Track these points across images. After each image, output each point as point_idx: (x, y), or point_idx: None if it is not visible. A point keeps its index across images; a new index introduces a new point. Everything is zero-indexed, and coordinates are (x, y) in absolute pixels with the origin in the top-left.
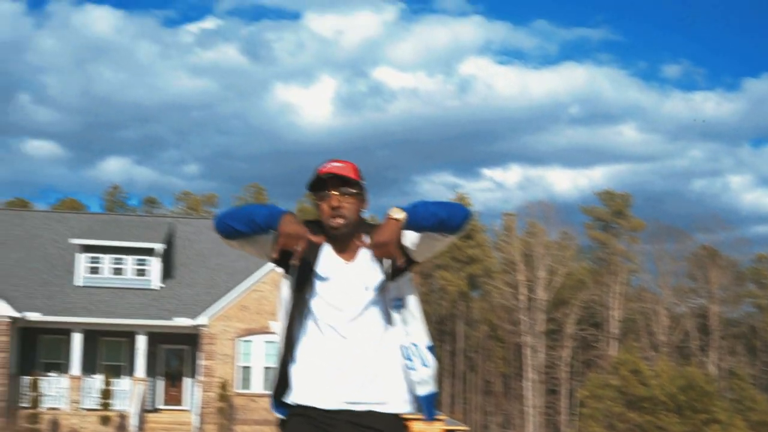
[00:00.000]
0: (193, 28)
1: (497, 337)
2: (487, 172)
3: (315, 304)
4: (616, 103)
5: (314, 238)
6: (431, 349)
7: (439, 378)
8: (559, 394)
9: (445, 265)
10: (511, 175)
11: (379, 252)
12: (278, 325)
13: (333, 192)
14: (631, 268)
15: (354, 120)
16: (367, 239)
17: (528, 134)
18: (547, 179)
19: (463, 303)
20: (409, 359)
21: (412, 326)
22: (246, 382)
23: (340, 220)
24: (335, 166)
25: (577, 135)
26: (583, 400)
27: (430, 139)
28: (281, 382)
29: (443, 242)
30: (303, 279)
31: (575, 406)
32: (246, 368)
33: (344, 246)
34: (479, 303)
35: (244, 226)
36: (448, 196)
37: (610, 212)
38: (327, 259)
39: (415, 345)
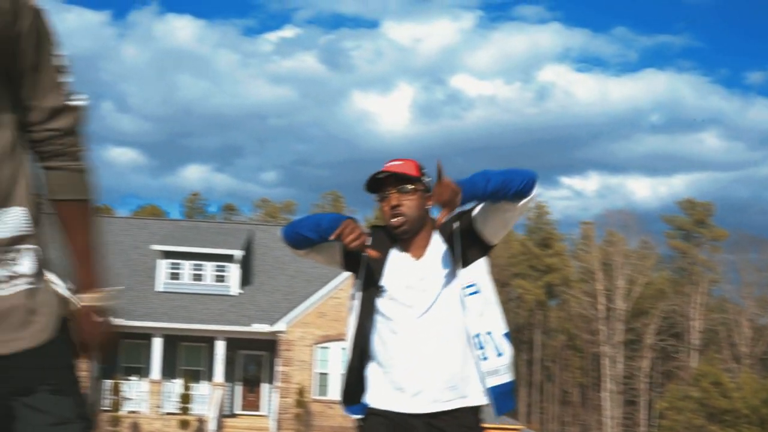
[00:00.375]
0: (273, 36)
1: (575, 346)
2: (565, 180)
3: (383, 304)
4: (697, 110)
5: (371, 253)
6: (507, 336)
7: (518, 383)
8: (638, 405)
9: (522, 274)
10: (590, 183)
11: (439, 199)
12: (348, 329)
13: (391, 191)
14: (712, 278)
15: (431, 127)
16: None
17: (607, 142)
18: (627, 187)
19: (541, 312)
20: (482, 348)
21: (487, 313)
22: (323, 388)
23: (401, 219)
24: (391, 165)
25: (658, 142)
26: (663, 411)
27: (508, 147)
28: (352, 385)
29: (512, 212)
30: (370, 282)
31: (654, 417)
32: (323, 375)
33: (412, 243)
34: (557, 312)
35: (311, 233)
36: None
37: (692, 221)
38: (395, 260)
39: (489, 333)
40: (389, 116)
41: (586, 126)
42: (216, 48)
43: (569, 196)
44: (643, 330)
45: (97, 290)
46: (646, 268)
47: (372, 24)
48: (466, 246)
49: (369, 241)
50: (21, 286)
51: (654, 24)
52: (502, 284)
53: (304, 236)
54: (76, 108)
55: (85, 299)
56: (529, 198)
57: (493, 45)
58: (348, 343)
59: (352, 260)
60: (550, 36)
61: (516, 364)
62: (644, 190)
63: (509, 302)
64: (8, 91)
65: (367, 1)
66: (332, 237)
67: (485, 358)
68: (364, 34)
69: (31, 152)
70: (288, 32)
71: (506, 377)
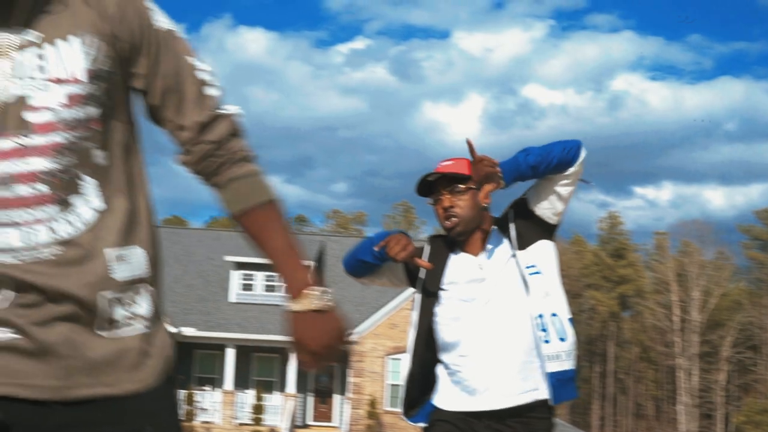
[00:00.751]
0: (344, 48)
1: (649, 358)
2: (638, 189)
3: (445, 306)
4: None
5: (421, 263)
6: (571, 321)
7: (579, 372)
8: (714, 419)
9: (595, 285)
10: (664, 192)
11: (478, 175)
12: (408, 339)
13: (444, 192)
14: None
15: (502, 137)
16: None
17: (682, 151)
18: (702, 197)
19: (614, 323)
20: (544, 330)
21: (552, 294)
22: (395, 400)
23: (454, 220)
24: (441, 165)
25: (734, 151)
26: (740, 425)
27: None
28: (413, 393)
29: (561, 183)
30: (429, 290)
31: (731, 431)
32: (395, 386)
33: (470, 242)
34: (630, 324)
35: (366, 255)
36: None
37: None
38: (454, 262)
39: (554, 315)
40: (460, 126)
41: (660, 135)
42: (287, 60)
43: (643, 205)
44: (719, 342)
45: (311, 289)
46: (722, 279)
47: (443, 34)
48: (523, 228)
49: (426, 251)
50: (138, 328)
51: (729, 31)
52: (574, 295)
53: (361, 260)
54: (228, 115)
55: (302, 302)
56: (576, 165)
57: (564, 54)
58: (408, 353)
59: (415, 276)
60: (623, 44)
61: (588, 377)
62: (720, 200)
63: (581, 313)
64: (131, 121)
65: (438, 11)
66: (376, 248)
67: (547, 341)
68: (434, 45)
69: (195, 176)
70: (359, 44)
71: (567, 364)
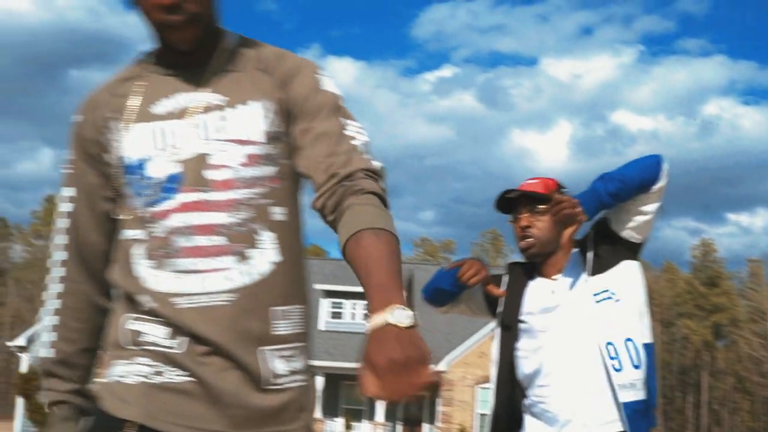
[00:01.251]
0: (431, 76)
1: (744, 389)
2: (731, 216)
3: (523, 335)
4: None
5: (494, 290)
6: (648, 347)
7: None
8: None
9: (688, 314)
10: (758, 219)
11: (557, 217)
12: (491, 369)
13: (523, 212)
14: None
15: (591, 164)
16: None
17: None
18: None
19: (708, 353)
20: (615, 358)
21: (628, 320)
22: (484, 429)
23: (530, 241)
24: (523, 184)
25: None
26: None
27: (671, 183)
28: (500, 426)
29: (645, 202)
30: (508, 318)
31: None
32: (484, 416)
33: (547, 266)
34: (725, 353)
35: (444, 283)
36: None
37: None
38: (532, 289)
39: (628, 340)
40: (548, 153)
41: (754, 160)
42: (375, 89)
43: (736, 233)
44: None
45: (396, 306)
46: None
47: (530, 61)
48: (603, 250)
49: (505, 280)
50: (297, 382)
51: None
52: (666, 324)
53: (440, 288)
54: (370, 164)
55: (382, 316)
56: (660, 181)
57: (654, 79)
58: (491, 384)
59: (494, 300)
60: (715, 69)
61: (681, 407)
62: None
63: (674, 342)
64: (299, 178)
65: (525, 38)
66: (446, 268)
67: (618, 370)
68: (522, 72)
69: (321, 216)
70: (446, 71)
71: (642, 394)
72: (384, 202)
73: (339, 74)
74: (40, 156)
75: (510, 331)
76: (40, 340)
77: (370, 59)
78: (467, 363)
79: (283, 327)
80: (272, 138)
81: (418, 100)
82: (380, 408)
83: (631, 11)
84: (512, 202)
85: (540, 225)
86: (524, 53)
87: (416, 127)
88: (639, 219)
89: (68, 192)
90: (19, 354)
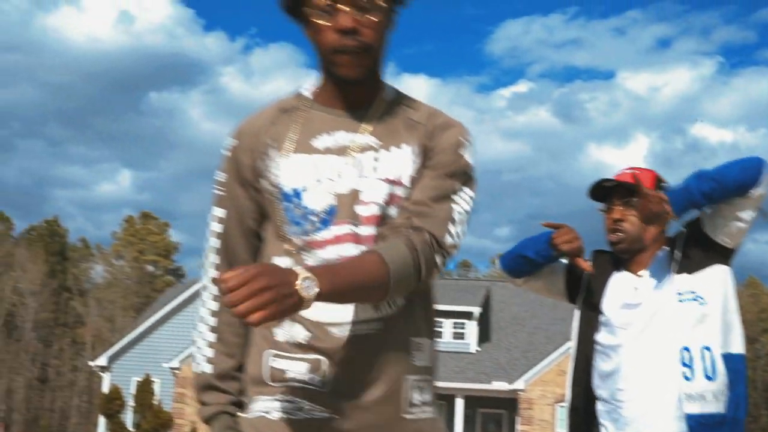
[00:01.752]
0: (506, 92)
1: None
2: None
3: (602, 330)
4: None
5: (582, 264)
6: (729, 358)
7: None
8: None
9: None
10: None
11: (643, 212)
12: (568, 367)
13: (617, 203)
14: None
15: (670, 177)
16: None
17: None
18: None
19: None
20: (688, 366)
21: (711, 327)
22: None
23: (620, 235)
24: (620, 173)
25: None
26: None
27: None
28: (577, 426)
29: (742, 207)
30: (589, 310)
31: None
32: None
33: (634, 261)
34: None
35: (528, 251)
36: None
37: None
38: (615, 282)
39: (706, 348)
40: (626, 167)
41: None
42: (450, 106)
43: None
44: None
45: (311, 276)
46: None
47: (607, 75)
48: (694, 251)
49: (589, 263)
50: (429, 413)
51: None
52: (750, 340)
53: (522, 256)
54: (440, 240)
55: (299, 271)
56: (761, 186)
57: (734, 91)
58: (567, 381)
59: (574, 285)
60: None
61: (767, 425)
62: None
63: (758, 359)
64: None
65: (601, 52)
66: (543, 224)
67: (688, 378)
68: (599, 86)
69: None
70: (521, 87)
71: (714, 406)
72: (417, 263)
73: (414, 92)
74: (119, 177)
75: (590, 323)
76: (198, 356)
77: (444, 76)
78: (546, 381)
79: (418, 359)
80: (413, 180)
81: (493, 116)
82: (459, 426)
83: (709, 22)
84: (607, 190)
85: (633, 219)
86: (600, 67)
87: (492, 143)
88: (734, 225)
89: (219, 213)
90: (101, 373)
